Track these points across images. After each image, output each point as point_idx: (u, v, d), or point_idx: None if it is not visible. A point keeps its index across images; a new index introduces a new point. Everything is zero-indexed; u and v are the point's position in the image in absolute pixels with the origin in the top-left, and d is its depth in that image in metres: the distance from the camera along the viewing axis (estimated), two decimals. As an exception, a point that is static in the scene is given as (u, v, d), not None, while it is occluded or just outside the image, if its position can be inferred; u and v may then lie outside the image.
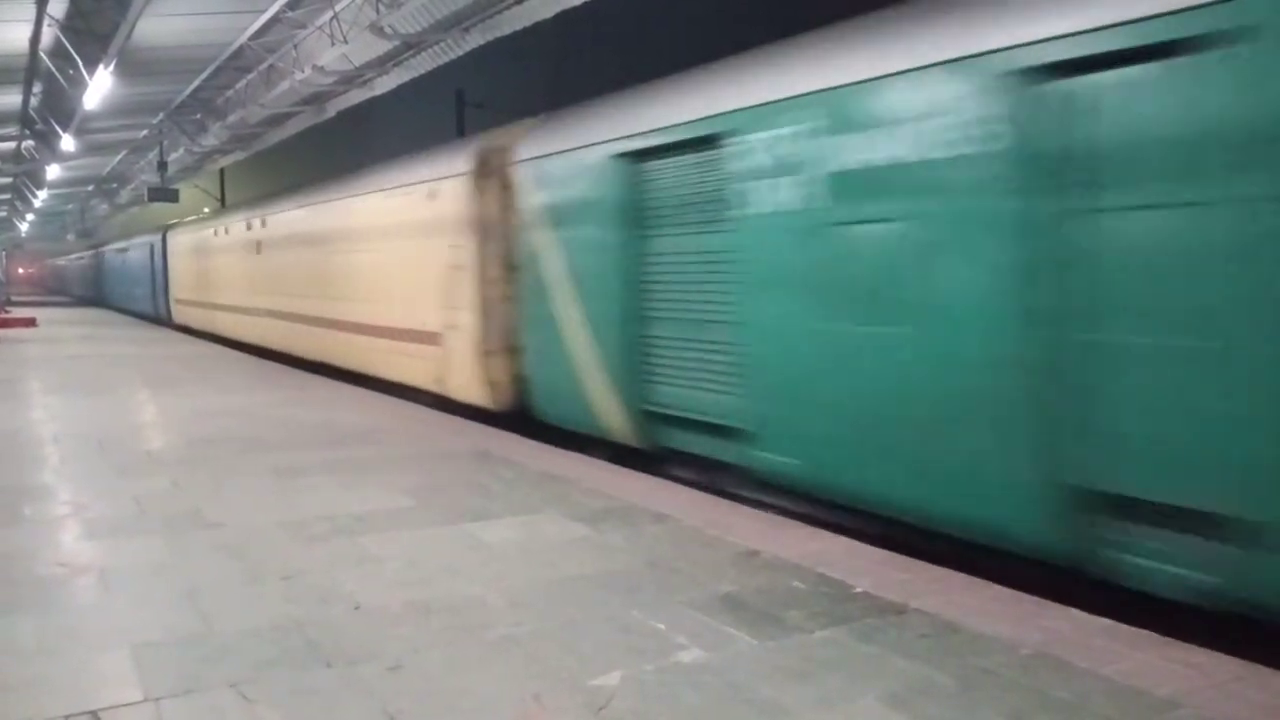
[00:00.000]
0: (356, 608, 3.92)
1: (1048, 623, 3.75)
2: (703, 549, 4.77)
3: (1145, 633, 3.64)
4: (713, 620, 3.79)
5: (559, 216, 8.12)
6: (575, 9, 13.47)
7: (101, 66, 14.76)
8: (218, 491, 6.06)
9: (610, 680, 3.22)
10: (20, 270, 78.62)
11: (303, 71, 18.01)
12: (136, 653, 3.45)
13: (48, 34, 14.76)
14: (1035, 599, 4.04)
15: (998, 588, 4.19)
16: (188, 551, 4.77)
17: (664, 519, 5.34)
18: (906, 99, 4.98)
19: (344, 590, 4.14)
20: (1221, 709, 2.99)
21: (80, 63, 15.48)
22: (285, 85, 19.56)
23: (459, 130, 25.38)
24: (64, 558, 4.66)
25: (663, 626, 3.71)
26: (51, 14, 13.77)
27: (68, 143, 22.37)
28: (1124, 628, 3.69)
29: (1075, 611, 3.88)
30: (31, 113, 21.06)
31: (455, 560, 4.59)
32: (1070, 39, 4.23)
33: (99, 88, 15.52)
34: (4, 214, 51.11)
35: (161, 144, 27.71)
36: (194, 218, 26.62)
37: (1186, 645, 3.51)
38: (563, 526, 5.21)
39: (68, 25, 14.60)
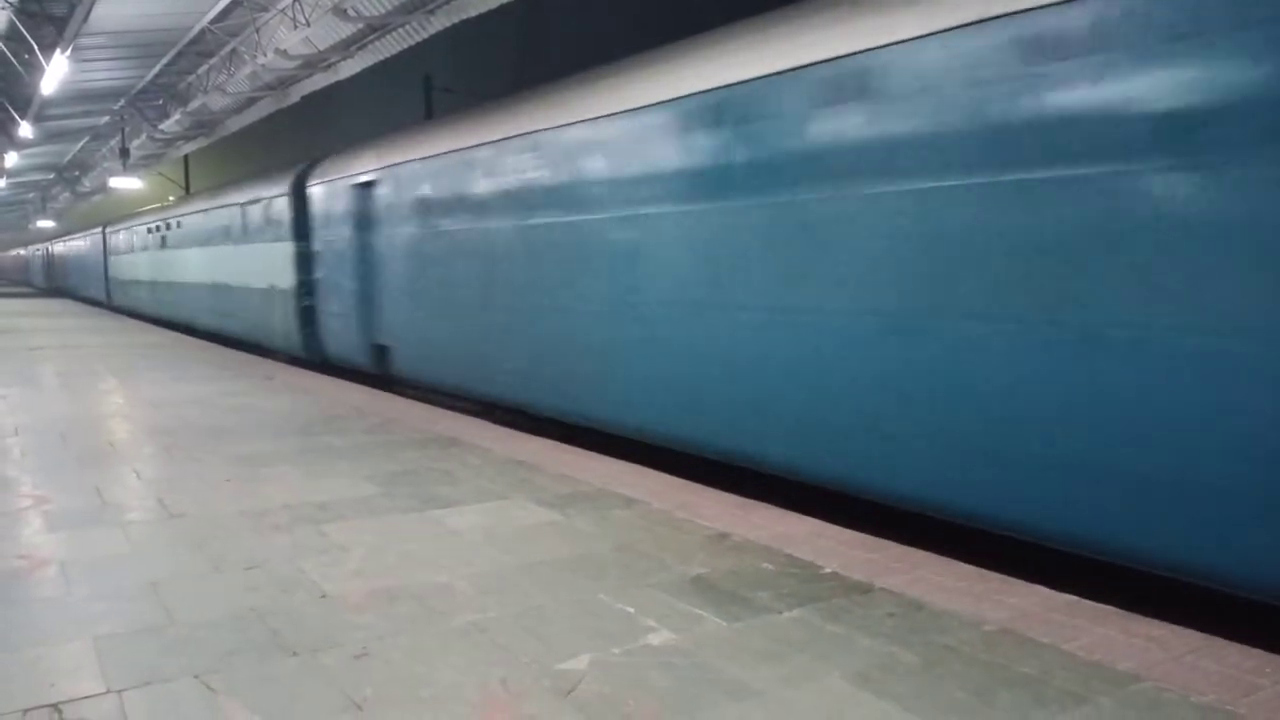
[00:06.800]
0: (322, 596, 3.89)
1: (1012, 599, 3.79)
2: (672, 532, 4.78)
3: (1108, 608, 3.68)
4: (681, 602, 3.79)
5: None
6: (542, -9, 13.36)
7: (58, 51, 14.47)
8: (180, 481, 5.98)
9: (578, 664, 3.21)
10: None
11: (265, 56, 17.77)
12: (98, 644, 3.40)
13: (1, 17, 14.45)
14: (1000, 576, 4.07)
15: (963, 565, 4.22)
16: (149, 542, 4.71)
17: (633, 503, 5.34)
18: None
19: (308, 579, 4.10)
20: (1180, 681, 3.04)
21: (36, 47, 15.18)
22: (248, 69, 19.29)
23: (427, 114, 25.09)
24: (25, 550, 4.59)
25: (631, 610, 3.71)
26: (4, -3, 13.49)
27: (26, 130, 21.96)
28: (1087, 603, 3.73)
29: (1039, 588, 3.92)
30: (-13, 99, 20.68)
31: (421, 547, 4.57)
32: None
33: (56, 73, 15.22)
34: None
35: (123, 130, 27.28)
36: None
37: (1148, 619, 3.56)
38: (530, 511, 5.19)
39: (21, 9, 14.30)
